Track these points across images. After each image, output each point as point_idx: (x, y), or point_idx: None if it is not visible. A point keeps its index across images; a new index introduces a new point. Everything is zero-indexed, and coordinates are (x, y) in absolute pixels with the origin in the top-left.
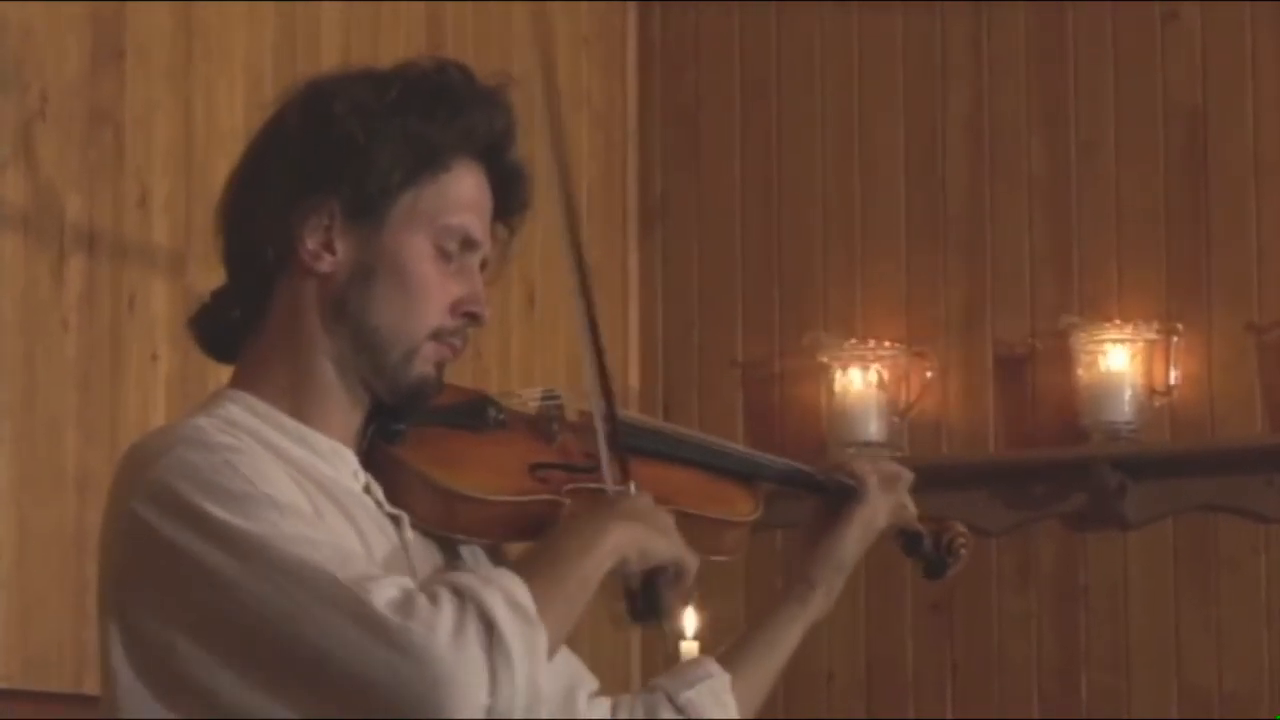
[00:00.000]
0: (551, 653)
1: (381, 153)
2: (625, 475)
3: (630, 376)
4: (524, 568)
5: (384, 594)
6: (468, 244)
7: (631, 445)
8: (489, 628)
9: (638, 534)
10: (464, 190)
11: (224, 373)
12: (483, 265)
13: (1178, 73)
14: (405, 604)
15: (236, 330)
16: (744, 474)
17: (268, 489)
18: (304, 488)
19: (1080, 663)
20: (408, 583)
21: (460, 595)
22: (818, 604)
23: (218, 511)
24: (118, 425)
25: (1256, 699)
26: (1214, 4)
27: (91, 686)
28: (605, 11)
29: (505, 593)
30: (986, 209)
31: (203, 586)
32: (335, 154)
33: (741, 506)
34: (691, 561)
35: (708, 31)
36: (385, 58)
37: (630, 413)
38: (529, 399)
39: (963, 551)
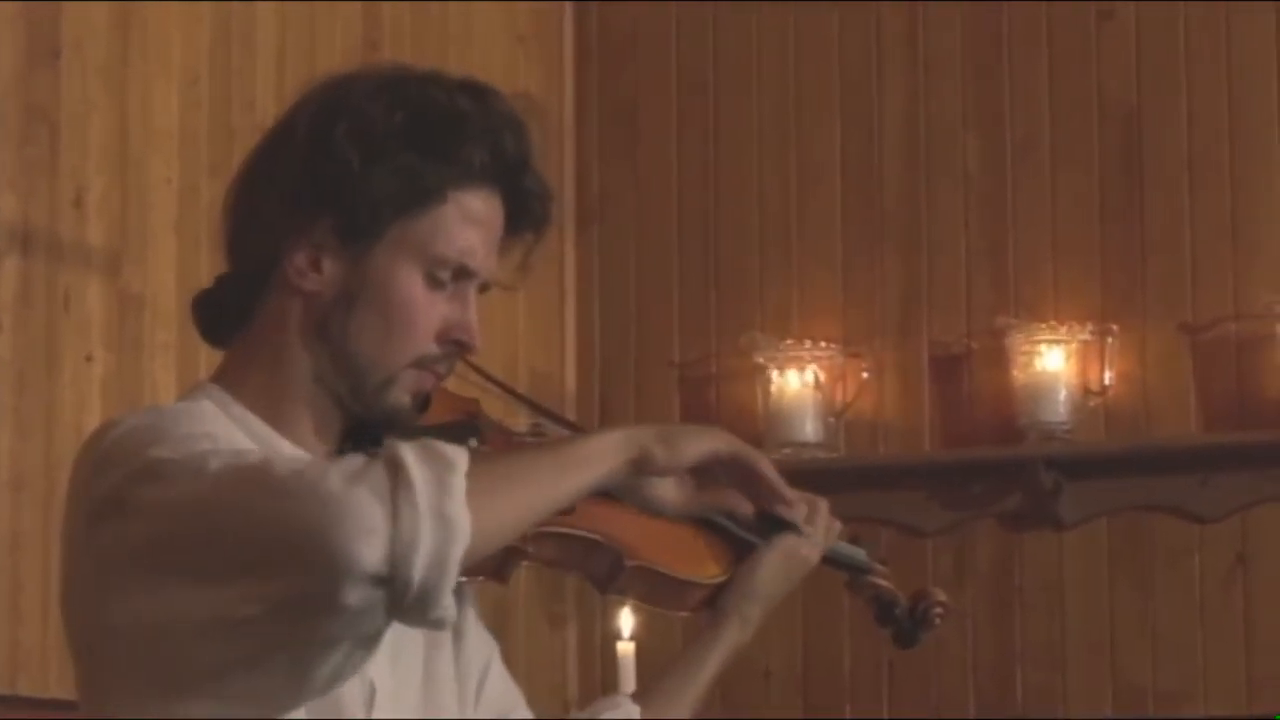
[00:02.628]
0: (493, 520)
1: (375, 181)
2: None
3: (567, 378)
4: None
5: (288, 465)
6: (461, 272)
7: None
8: (394, 466)
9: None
10: (461, 220)
11: (160, 376)
12: (484, 288)
13: (1113, 72)
14: (304, 466)
15: (232, 320)
16: (723, 530)
17: (209, 429)
18: None
19: (1016, 661)
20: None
21: (373, 455)
22: (732, 634)
23: (155, 450)
24: (53, 426)
25: (1191, 697)
26: (1149, 3)
27: (25, 688)
28: (542, 9)
29: (424, 445)
30: (922, 208)
31: (134, 516)
32: (330, 175)
33: (709, 568)
34: None
35: (645, 29)
36: (321, 56)
37: None
38: (514, 429)
39: (938, 620)
